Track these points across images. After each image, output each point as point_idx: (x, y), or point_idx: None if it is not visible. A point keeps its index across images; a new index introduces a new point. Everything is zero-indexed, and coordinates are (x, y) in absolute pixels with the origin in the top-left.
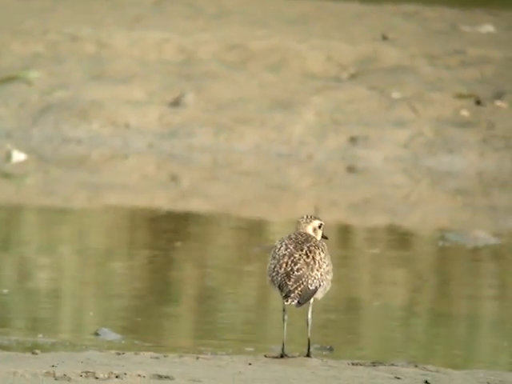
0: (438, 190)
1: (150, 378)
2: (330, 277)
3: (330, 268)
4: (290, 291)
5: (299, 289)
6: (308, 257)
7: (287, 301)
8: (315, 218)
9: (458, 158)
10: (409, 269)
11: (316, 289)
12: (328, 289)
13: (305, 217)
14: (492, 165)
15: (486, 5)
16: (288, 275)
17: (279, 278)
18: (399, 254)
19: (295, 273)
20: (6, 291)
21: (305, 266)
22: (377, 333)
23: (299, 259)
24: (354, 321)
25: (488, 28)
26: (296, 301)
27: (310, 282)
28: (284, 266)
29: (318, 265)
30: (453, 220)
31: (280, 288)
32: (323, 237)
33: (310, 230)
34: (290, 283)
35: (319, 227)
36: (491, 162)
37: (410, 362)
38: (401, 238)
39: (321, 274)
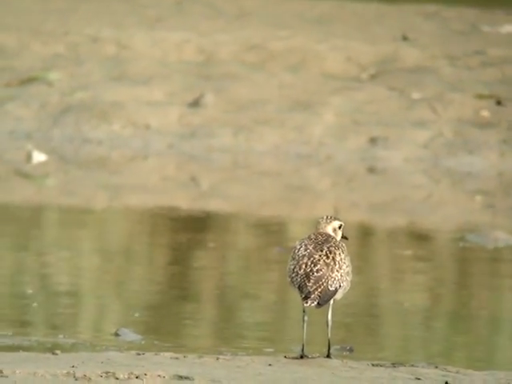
0: (458, 190)
1: (170, 378)
2: (349, 278)
3: (349, 269)
4: (309, 292)
5: (319, 290)
6: (328, 257)
7: (307, 302)
8: (335, 219)
9: (478, 158)
10: (429, 269)
11: (336, 290)
12: (347, 289)
13: (325, 217)
14: None
15: (507, 5)
16: (308, 276)
17: (299, 279)
18: (419, 254)
19: (315, 274)
20: (30, 291)
21: (325, 267)
22: (397, 334)
23: (319, 260)
24: (374, 322)
25: (508, 28)
26: (316, 302)
27: (330, 283)
28: (303, 266)
29: (338, 265)
30: (473, 221)
31: (300, 289)
32: (343, 237)
33: (329, 230)
34: (310, 284)
35: (339, 228)
36: (511, 163)
37: (430, 363)
38: (421, 239)
39: (341, 275)
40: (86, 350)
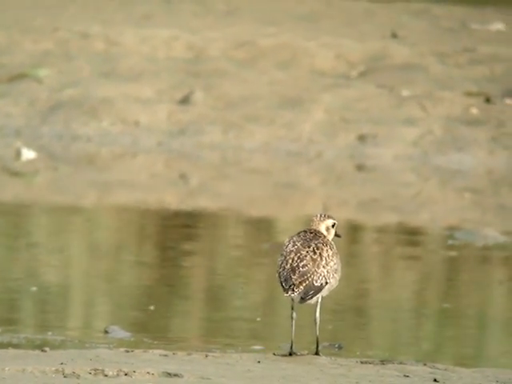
0: (447, 188)
1: (158, 375)
2: (337, 276)
3: (338, 267)
4: (293, 285)
5: (303, 284)
6: (315, 253)
7: (287, 292)
8: (329, 217)
9: (468, 156)
10: (418, 267)
11: (322, 286)
12: (334, 286)
13: (319, 215)
14: (502, 163)
15: (496, 2)
16: (293, 270)
17: (285, 273)
18: (408, 252)
19: (300, 269)
20: (19, 288)
21: (311, 263)
22: (386, 331)
23: (305, 256)
24: (362, 319)
25: (498, 26)
26: (296, 293)
27: (315, 278)
28: (290, 261)
29: (324, 261)
30: (462, 218)
31: (284, 282)
32: (336, 235)
33: (323, 228)
34: (295, 277)
35: (332, 226)
36: (501, 160)
37: (418, 361)
38: (410, 237)
39: (327, 272)
40: (75, 347)
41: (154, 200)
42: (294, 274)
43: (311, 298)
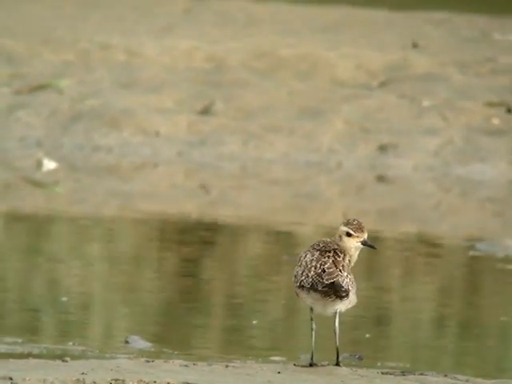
0: (468, 198)
1: None
2: (354, 290)
3: (354, 283)
4: (326, 285)
5: (334, 281)
6: (337, 258)
7: (330, 297)
8: (346, 224)
9: (489, 166)
10: (439, 278)
11: (347, 290)
12: (352, 303)
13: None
14: None
15: None
16: (320, 275)
17: (310, 280)
18: (429, 263)
19: (327, 270)
20: (40, 299)
21: (334, 267)
22: (406, 342)
23: (327, 261)
24: (383, 329)
25: None
26: (335, 293)
27: (341, 280)
28: (313, 269)
29: (343, 268)
30: (483, 229)
31: (313, 286)
32: (365, 245)
33: (337, 235)
34: (326, 277)
35: (347, 235)
36: None
37: (439, 372)
38: (431, 248)
39: (350, 280)
40: (96, 358)
41: (174, 210)
42: (323, 277)
43: (342, 297)
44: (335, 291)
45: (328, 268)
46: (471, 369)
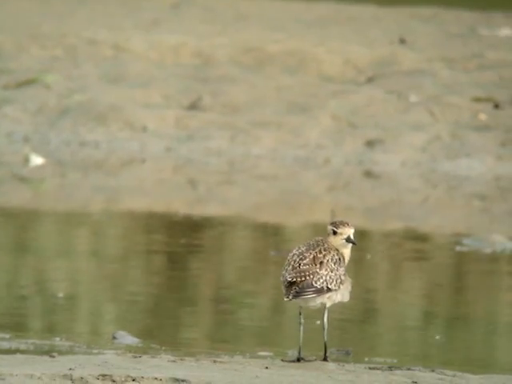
0: (455, 194)
1: (166, 381)
2: (344, 286)
3: (344, 278)
4: (290, 283)
5: (299, 280)
6: (317, 256)
7: (287, 297)
8: (331, 224)
9: (476, 162)
10: (426, 273)
11: (322, 289)
12: (342, 299)
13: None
14: (510, 169)
15: (505, 8)
16: (294, 268)
17: (286, 274)
18: (416, 258)
19: (301, 267)
20: (27, 294)
21: (311, 263)
22: (394, 337)
23: (308, 257)
24: (370, 325)
25: (506, 31)
26: (292, 294)
27: (315, 278)
28: (292, 263)
29: (326, 265)
30: (470, 225)
31: (283, 283)
32: (348, 241)
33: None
34: (293, 275)
35: (333, 233)
36: (509, 166)
37: (426, 367)
38: (418, 243)
39: (329, 277)
40: (83, 353)
41: (161, 206)
42: (292, 273)
43: (307, 295)
44: (295, 290)
45: (304, 264)
46: (458, 364)
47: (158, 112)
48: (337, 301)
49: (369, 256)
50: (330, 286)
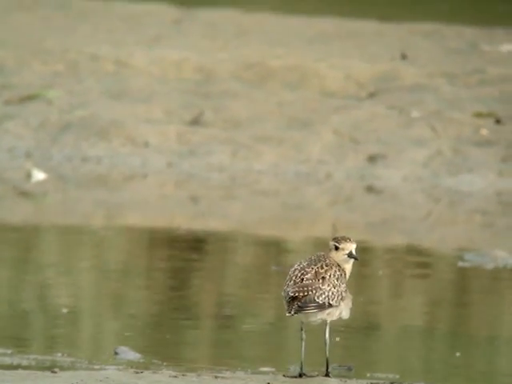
0: (457, 209)
1: None
2: (345, 302)
3: (345, 294)
4: (292, 298)
5: (301, 295)
6: (319, 271)
7: (289, 312)
8: (333, 239)
9: (478, 177)
10: (428, 289)
11: (324, 304)
12: (344, 315)
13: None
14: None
15: (506, 23)
16: (295, 283)
17: (288, 289)
18: (418, 274)
19: (303, 282)
20: (29, 310)
21: (313, 279)
22: (395, 353)
23: (309, 272)
24: (372, 341)
25: (508, 47)
26: (294, 309)
27: (317, 294)
28: (294, 278)
29: (329, 281)
30: (472, 240)
31: (285, 298)
32: (350, 256)
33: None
34: (295, 289)
35: (335, 249)
36: (511, 182)
37: (428, 382)
38: (420, 258)
39: (332, 293)
40: (85, 369)
41: (163, 221)
42: (294, 288)
43: (309, 310)
44: (297, 305)
45: (307, 279)
46: (460, 380)
47: (160, 127)
48: (335, 317)
49: (380, 272)
50: (331, 302)
